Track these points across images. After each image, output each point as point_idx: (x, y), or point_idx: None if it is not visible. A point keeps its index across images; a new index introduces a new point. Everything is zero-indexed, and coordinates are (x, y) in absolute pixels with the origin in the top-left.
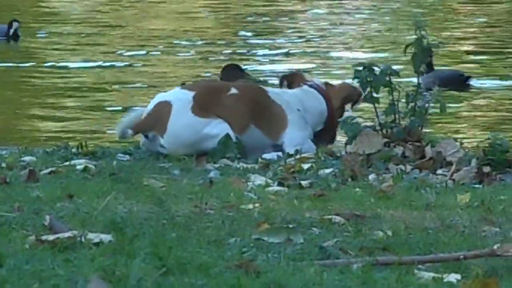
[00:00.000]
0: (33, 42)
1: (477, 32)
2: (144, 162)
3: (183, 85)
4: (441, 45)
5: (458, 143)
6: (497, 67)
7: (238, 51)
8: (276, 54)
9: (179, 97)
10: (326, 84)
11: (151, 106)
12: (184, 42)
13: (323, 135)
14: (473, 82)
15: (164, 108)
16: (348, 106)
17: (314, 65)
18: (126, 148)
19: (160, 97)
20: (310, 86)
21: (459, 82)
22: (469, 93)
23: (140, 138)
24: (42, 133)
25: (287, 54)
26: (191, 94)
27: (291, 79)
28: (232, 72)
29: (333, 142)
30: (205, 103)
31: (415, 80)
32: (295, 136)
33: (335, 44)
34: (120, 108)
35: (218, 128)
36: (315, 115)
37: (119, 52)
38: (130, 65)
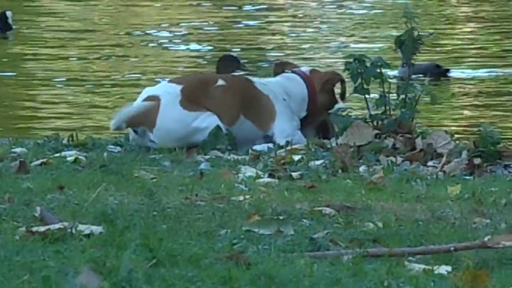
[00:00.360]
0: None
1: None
2: (135, 153)
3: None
4: (432, 36)
5: (448, 135)
6: (471, 57)
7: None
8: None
9: (167, 91)
10: (312, 70)
11: (139, 100)
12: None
13: (307, 122)
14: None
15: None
16: (339, 100)
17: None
18: (116, 140)
19: (147, 91)
20: (293, 72)
21: (437, 74)
22: (447, 84)
23: (129, 132)
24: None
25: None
26: (179, 87)
27: (281, 67)
28: (228, 63)
29: (330, 135)
30: (193, 96)
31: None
32: (284, 127)
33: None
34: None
35: (207, 121)
36: (297, 101)
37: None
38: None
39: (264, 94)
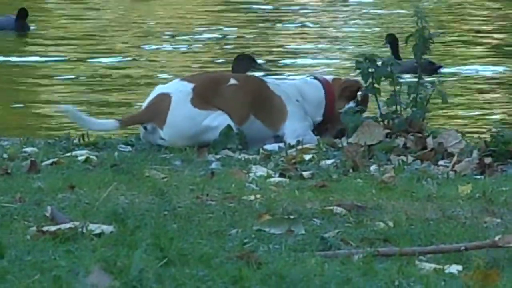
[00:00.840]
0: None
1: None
2: (146, 153)
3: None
4: (441, 35)
5: (459, 134)
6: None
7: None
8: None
9: (178, 89)
10: (335, 79)
11: (150, 98)
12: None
13: (323, 127)
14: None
15: (163, 100)
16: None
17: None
18: (127, 139)
19: (159, 89)
20: (314, 77)
21: (430, 71)
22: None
23: (140, 130)
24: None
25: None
26: (190, 85)
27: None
28: (244, 62)
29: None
30: (205, 95)
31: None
32: (295, 128)
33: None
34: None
35: (218, 120)
36: (312, 105)
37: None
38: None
39: (276, 95)
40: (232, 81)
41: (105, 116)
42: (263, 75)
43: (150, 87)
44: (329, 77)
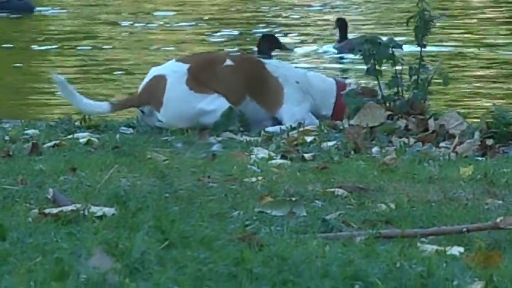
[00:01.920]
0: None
1: None
2: (147, 135)
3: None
4: (443, 17)
5: (461, 116)
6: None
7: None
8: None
9: (173, 70)
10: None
11: (146, 80)
12: None
13: None
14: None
15: (159, 82)
16: None
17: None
18: (129, 121)
19: (154, 70)
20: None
21: None
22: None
23: (137, 113)
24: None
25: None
26: (185, 66)
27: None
28: (269, 42)
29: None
30: (200, 76)
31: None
32: (293, 112)
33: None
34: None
35: (214, 103)
36: (319, 96)
37: None
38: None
39: (273, 76)
40: (228, 62)
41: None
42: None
43: None
44: (349, 81)
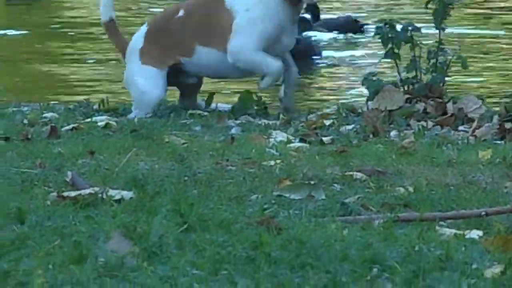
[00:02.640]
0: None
1: None
2: (165, 118)
3: None
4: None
5: (479, 100)
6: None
7: None
8: None
9: (137, 35)
10: None
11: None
12: None
13: None
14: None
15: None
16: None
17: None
18: None
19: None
20: None
21: (353, 28)
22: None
23: None
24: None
25: None
26: (145, 30)
27: None
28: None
29: None
30: (155, 38)
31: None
32: (240, 43)
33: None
34: None
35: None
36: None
37: None
38: None
39: (225, 9)
40: (180, 13)
41: None
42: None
43: None
44: None
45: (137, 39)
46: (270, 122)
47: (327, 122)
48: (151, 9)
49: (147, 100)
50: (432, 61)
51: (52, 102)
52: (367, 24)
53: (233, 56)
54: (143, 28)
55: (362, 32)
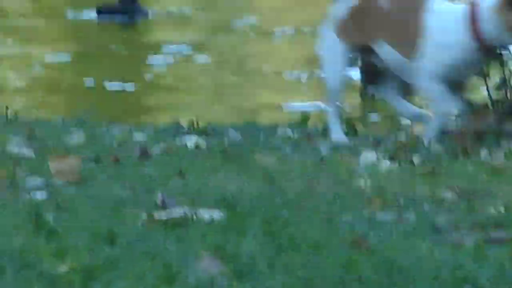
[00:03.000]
0: None
1: None
2: (255, 139)
3: None
4: None
5: None
6: None
7: None
8: None
9: None
10: None
11: None
12: None
13: None
14: None
15: None
16: None
17: None
18: (237, 125)
19: None
20: None
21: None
22: None
23: None
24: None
25: None
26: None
27: None
28: None
29: None
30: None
31: None
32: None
33: None
34: None
35: None
36: None
37: None
38: None
39: None
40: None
41: None
42: None
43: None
44: None
45: None
46: (360, 142)
47: (417, 142)
48: None
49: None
50: None
51: (141, 123)
52: None
53: None
54: None
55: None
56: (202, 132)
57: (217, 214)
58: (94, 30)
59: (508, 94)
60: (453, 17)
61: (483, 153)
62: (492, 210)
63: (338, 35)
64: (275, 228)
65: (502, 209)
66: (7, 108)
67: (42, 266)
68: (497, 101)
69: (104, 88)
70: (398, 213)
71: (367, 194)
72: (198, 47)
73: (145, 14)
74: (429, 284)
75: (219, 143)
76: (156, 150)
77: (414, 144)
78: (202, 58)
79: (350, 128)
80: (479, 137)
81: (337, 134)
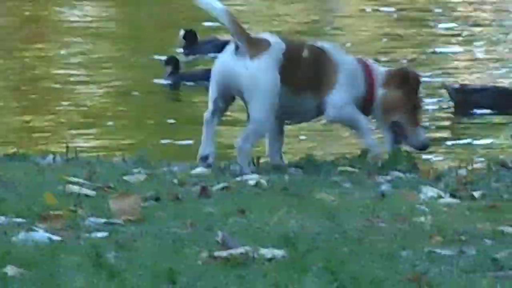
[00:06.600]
0: None
1: None
2: (315, 175)
3: None
4: None
5: None
6: None
7: None
8: None
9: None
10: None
11: None
12: None
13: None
14: None
15: None
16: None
17: None
18: (298, 162)
19: None
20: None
21: None
22: None
23: None
24: None
25: None
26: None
27: None
28: None
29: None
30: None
31: None
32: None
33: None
34: None
35: None
36: None
37: None
38: None
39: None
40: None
41: None
42: None
43: None
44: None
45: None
46: (420, 178)
47: (478, 177)
48: None
49: None
50: None
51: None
52: None
53: None
54: (280, 42)
55: None
56: (263, 169)
57: (278, 252)
58: None
59: None
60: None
61: None
62: None
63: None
64: (335, 265)
65: None
66: (67, 146)
67: None
68: None
69: None
70: (458, 249)
71: (427, 230)
72: None
73: None
74: None
75: (280, 180)
76: (217, 188)
77: (475, 179)
78: None
79: (411, 164)
80: None
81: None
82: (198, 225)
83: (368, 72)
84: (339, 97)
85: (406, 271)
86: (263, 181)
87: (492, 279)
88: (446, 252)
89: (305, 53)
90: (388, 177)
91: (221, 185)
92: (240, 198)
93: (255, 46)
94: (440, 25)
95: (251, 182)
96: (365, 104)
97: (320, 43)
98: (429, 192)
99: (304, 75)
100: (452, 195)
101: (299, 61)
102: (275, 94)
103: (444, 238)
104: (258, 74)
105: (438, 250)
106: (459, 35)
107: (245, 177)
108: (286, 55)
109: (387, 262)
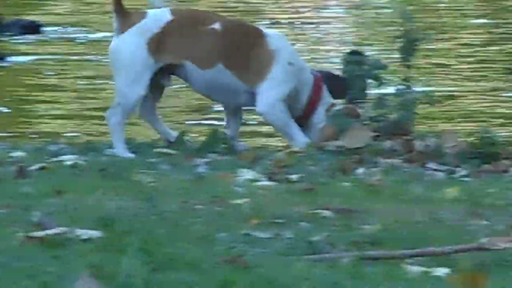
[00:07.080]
0: None
1: None
2: (133, 157)
3: None
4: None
5: (457, 136)
6: None
7: None
8: None
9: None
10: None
11: None
12: None
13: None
14: None
15: None
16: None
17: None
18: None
19: None
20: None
21: (29, 29)
22: None
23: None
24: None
25: None
26: (167, 17)
27: None
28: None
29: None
30: (172, 32)
31: None
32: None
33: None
34: None
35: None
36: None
37: None
38: None
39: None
40: (216, 25)
41: None
42: None
43: None
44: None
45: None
46: (238, 160)
47: (295, 160)
48: None
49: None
50: (400, 98)
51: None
52: None
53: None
54: (165, 13)
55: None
56: (80, 150)
57: (94, 233)
58: None
59: (386, 113)
60: None
61: (361, 171)
62: (368, 228)
63: (149, 50)
64: (152, 247)
65: (378, 227)
66: None
67: None
68: (375, 119)
69: None
70: (275, 231)
71: (244, 213)
72: None
73: None
74: None
75: (97, 161)
76: (34, 168)
77: (292, 162)
78: None
79: (229, 146)
80: (357, 155)
81: (121, 149)
82: (14, 205)
83: (317, 88)
84: (271, 92)
85: (222, 253)
86: (80, 162)
87: (308, 261)
88: (262, 234)
89: (216, 26)
90: (206, 159)
91: (38, 165)
92: (57, 178)
93: (126, 21)
94: None
95: (69, 163)
96: (298, 120)
97: (265, 30)
98: (246, 174)
99: (213, 47)
100: (270, 178)
101: (197, 32)
102: (141, 65)
103: (261, 221)
104: (119, 47)
105: (255, 233)
106: None
107: (61, 157)
108: (172, 25)
109: (204, 244)
